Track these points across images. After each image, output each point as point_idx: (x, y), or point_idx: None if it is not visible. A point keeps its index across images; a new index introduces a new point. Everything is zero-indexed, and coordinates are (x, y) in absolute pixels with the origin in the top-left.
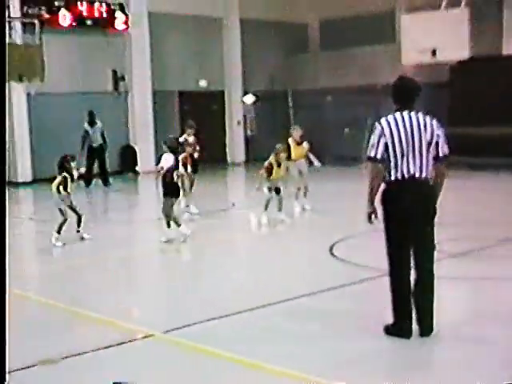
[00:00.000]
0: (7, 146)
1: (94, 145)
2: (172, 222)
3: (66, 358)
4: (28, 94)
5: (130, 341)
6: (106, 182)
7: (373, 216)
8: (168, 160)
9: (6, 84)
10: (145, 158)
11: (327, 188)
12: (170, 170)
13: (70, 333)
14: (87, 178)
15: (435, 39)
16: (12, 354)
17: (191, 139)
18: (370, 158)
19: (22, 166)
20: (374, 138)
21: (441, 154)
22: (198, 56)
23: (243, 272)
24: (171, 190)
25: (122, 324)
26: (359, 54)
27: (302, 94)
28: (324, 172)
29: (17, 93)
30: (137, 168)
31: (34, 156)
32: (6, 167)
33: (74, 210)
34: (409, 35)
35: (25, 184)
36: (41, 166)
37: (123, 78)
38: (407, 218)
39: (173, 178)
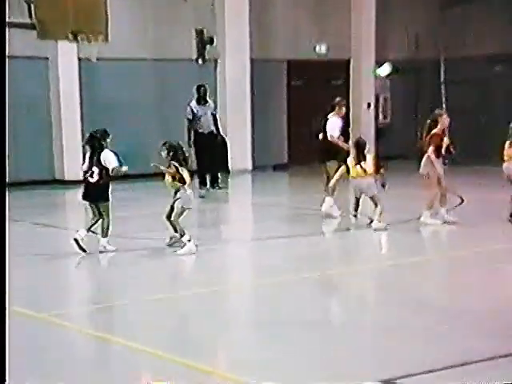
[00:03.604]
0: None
1: (203, 131)
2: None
3: None
4: (80, 59)
5: None
6: (215, 182)
7: None
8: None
9: (56, 43)
10: (239, 152)
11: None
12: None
13: None
14: (202, 177)
15: None
16: None
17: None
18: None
19: (70, 161)
20: None
21: None
22: (315, 12)
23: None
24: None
25: (227, 375)
26: None
27: (460, 62)
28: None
29: (65, 57)
30: (228, 165)
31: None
32: (54, 163)
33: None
34: None
35: (75, 184)
36: None
37: (211, 41)
38: None
39: (84, 178)
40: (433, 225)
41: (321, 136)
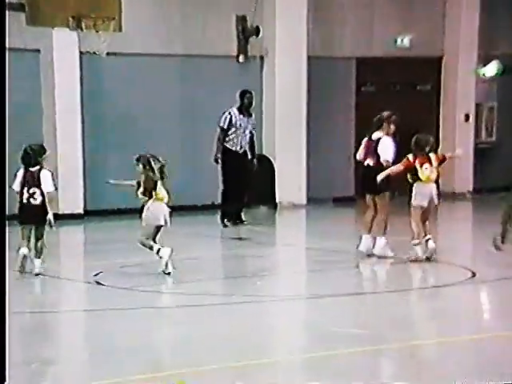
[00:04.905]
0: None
1: (239, 151)
2: None
3: None
4: (82, 53)
5: None
6: (237, 218)
7: None
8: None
9: (51, 31)
10: (290, 180)
11: None
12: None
13: None
14: (228, 210)
15: None
16: None
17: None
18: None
19: (67, 187)
20: None
21: None
22: None
23: None
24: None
25: None
26: None
27: None
28: None
29: (63, 49)
30: (275, 197)
31: (89, 171)
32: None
33: None
34: None
35: (73, 218)
36: (102, 189)
37: (257, 32)
38: None
39: (22, 199)
40: None
41: (370, 161)
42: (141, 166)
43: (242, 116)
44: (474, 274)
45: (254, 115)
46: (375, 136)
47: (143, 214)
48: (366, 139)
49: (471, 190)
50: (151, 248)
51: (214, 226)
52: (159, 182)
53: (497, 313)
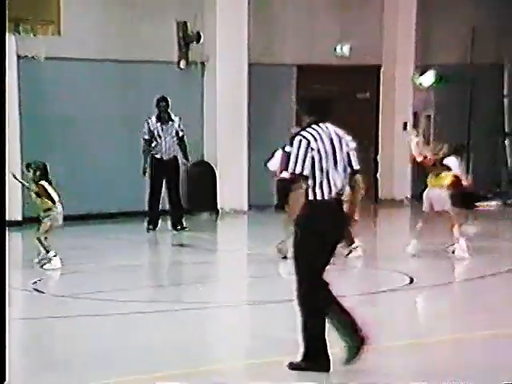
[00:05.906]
0: None
1: (164, 157)
2: None
3: None
4: (20, 58)
5: None
6: (177, 223)
7: None
8: None
9: None
10: (231, 186)
11: None
12: None
13: None
14: (151, 215)
15: None
16: None
17: None
18: (294, 175)
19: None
20: (298, 152)
21: (355, 167)
22: (335, 3)
23: None
24: None
25: None
26: None
27: None
28: None
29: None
30: (217, 203)
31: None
32: None
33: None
34: None
35: (11, 225)
36: None
37: (198, 38)
38: (330, 240)
39: None
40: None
41: (285, 174)
42: (31, 172)
43: (159, 124)
44: (411, 280)
45: (177, 119)
46: (288, 149)
47: (53, 214)
48: (280, 152)
49: (409, 196)
50: (47, 249)
51: (155, 233)
52: (49, 187)
53: (436, 318)
